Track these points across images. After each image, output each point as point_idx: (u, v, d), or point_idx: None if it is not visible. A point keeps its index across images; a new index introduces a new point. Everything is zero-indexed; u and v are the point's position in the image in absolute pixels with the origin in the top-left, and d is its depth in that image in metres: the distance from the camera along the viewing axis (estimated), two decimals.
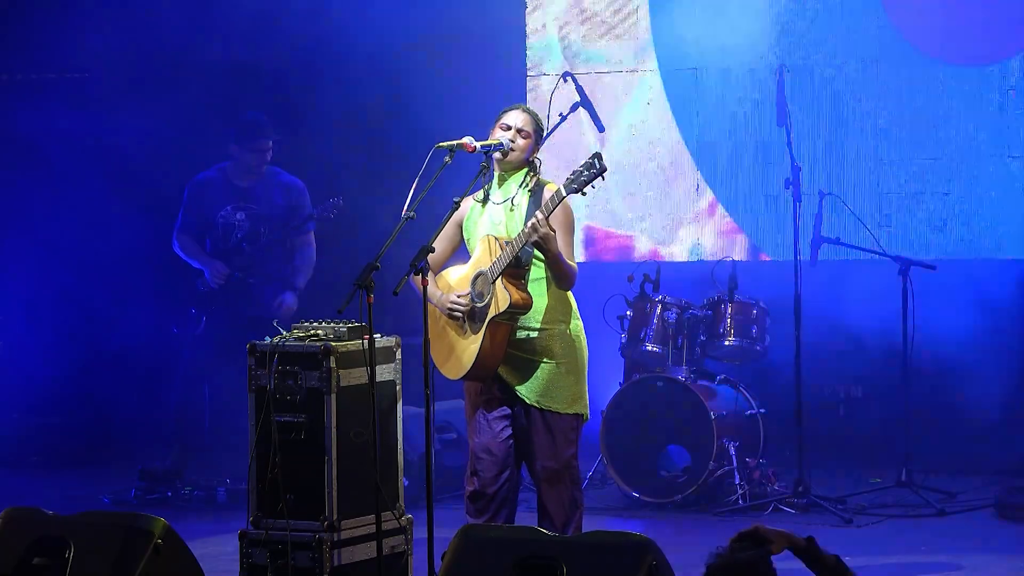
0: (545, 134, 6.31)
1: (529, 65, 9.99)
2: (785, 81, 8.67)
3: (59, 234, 10.23)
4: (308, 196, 8.90)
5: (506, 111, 6.17)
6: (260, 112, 9.06)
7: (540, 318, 6.02)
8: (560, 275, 5.97)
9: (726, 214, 9.63)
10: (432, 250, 5.83)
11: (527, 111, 6.18)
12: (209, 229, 8.92)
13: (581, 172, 5.80)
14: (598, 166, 5.77)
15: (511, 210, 6.07)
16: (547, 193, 5.99)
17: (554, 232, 5.84)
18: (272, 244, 8.84)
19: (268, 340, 6.26)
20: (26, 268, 10.22)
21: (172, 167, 9.71)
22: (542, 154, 6.21)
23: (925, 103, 9.21)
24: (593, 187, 5.81)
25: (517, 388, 6.02)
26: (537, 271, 6.02)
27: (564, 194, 5.81)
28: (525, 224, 5.88)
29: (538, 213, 5.82)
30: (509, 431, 6.08)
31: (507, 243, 5.94)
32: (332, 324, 6.31)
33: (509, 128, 6.09)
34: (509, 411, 6.08)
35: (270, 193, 8.88)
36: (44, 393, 10.09)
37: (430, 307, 5.89)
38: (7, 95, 10.25)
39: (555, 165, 9.09)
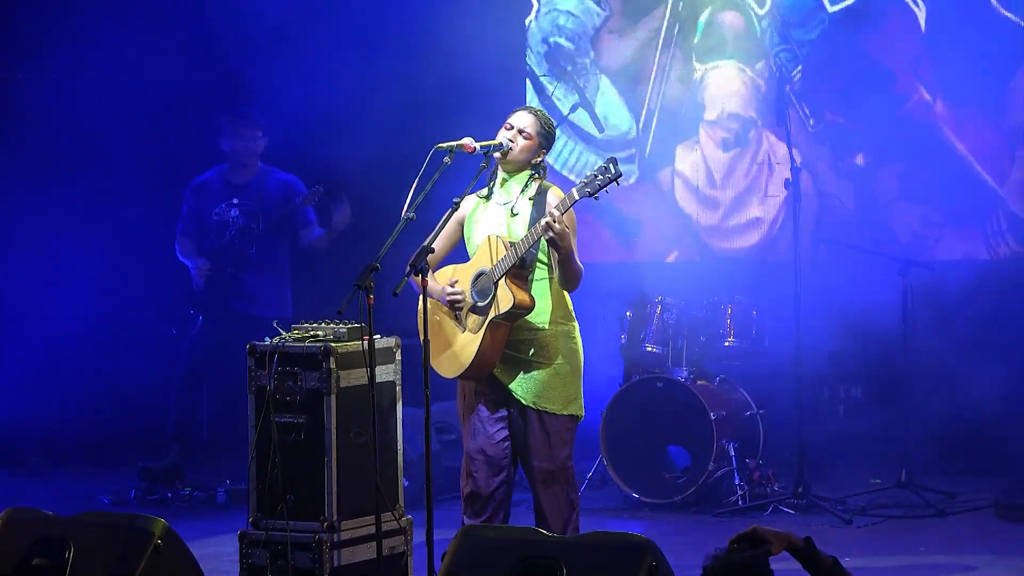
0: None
1: (529, 65, 9.99)
2: (784, 80, 8.68)
3: (55, 235, 10.22)
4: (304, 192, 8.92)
5: (514, 112, 6.16)
6: (253, 108, 9.12)
7: (538, 319, 6.01)
8: (570, 274, 5.95)
9: (726, 214, 9.62)
10: (431, 250, 5.83)
11: (534, 113, 6.14)
12: (205, 227, 8.96)
13: (595, 176, 5.77)
14: (613, 171, 5.74)
15: (513, 215, 6.06)
16: (551, 197, 5.98)
17: (568, 230, 5.84)
18: (266, 239, 8.85)
19: (268, 341, 6.27)
20: (23, 269, 10.22)
21: (172, 170, 9.72)
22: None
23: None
24: (607, 192, 5.80)
25: (512, 389, 6.02)
26: (539, 272, 6.02)
27: (576, 197, 5.79)
28: (533, 225, 5.86)
29: (553, 210, 5.80)
30: (504, 433, 6.07)
31: (512, 244, 5.93)
32: (332, 325, 6.31)
33: (511, 128, 6.09)
34: (504, 412, 6.07)
35: (265, 189, 8.93)
36: (44, 393, 10.09)
37: (428, 305, 5.88)
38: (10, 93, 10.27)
39: (554, 165, 9.12)
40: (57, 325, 10.18)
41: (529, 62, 9.87)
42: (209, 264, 8.86)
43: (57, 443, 10.01)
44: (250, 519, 6.25)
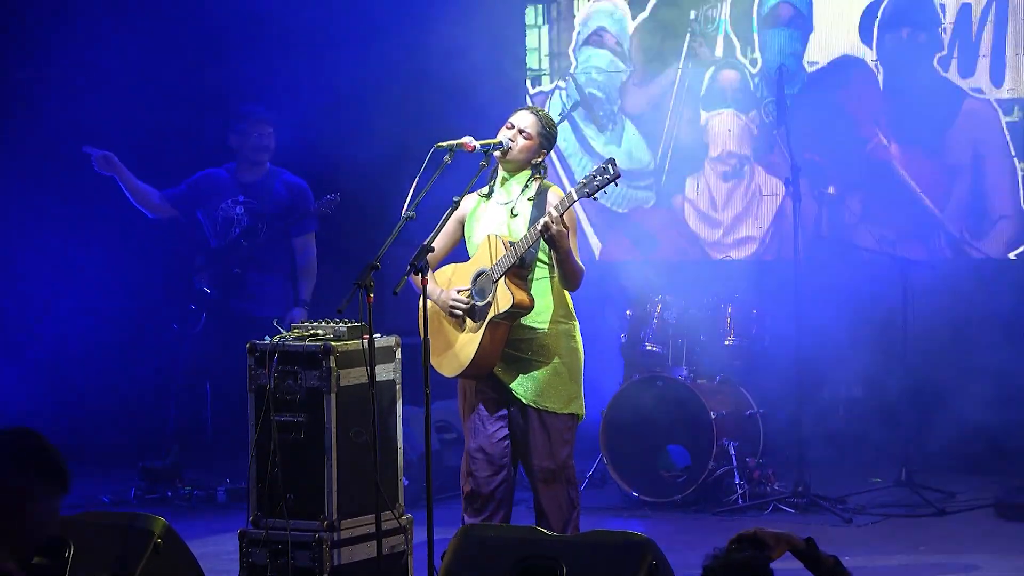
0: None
1: (529, 65, 10.02)
2: (784, 80, 8.72)
3: (56, 234, 10.22)
4: (312, 198, 8.91)
5: (516, 111, 6.17)
6: (259, 104, 9.13)
7: (539, 318, 6.02)
8: (570, 274, 5.95)
9: (725, 232, 9.65)
10: (431, 249, 5.83)
11: (535, 113, 6.15)
12: (209, 223, 8.96)
13: (594, 177, 5.77)
14: (612, 172, 5.75)
15: (513, 216, 6.06)
16: (551, 196, 5.98)
17: (567, 230, 5.84)
18: (271, 239, 8.85)
19: (268, 340, 6.27)
20: (23, 268, 10.21)
21: (173, 170, 9.72)
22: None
23: (926, 102, 9.22)
24: (605, 192, 5.80)
25: (513, 388, 6.02)
26: (539, 272, 6.02)
27: (575, 198, 5.79)
28: (533, 224, 5.86)
29: (551, 211, 5.80)
30: (504, 432, 6.08)
31: (511, 244, 5.93)
32: (332, 324, 6.31)
33: (512, 127, 6.09)
34: (505, 412, 6.08)
35: (272, 189, 8.91)
36: (44, 393, 10.09)
37: (428, 305, 5.88)
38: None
39: (554, 164, 9.12)
40: (57, 325, 10.18)
41: (531, 62, 9.94)
42: (103, 152, 8.83)
43: (57, 443, 9.96)
44: (250, 518, 6.25)
